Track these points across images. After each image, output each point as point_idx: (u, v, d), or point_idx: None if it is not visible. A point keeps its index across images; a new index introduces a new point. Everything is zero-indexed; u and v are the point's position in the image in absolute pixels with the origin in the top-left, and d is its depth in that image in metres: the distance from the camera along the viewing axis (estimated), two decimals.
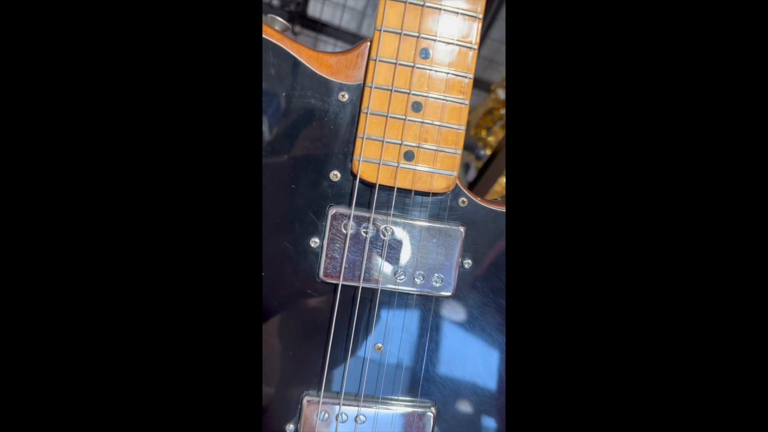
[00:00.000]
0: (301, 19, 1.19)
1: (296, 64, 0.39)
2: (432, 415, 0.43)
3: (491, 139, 1.15)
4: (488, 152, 1.12)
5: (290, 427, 0.42)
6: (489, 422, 0.45)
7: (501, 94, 1.16)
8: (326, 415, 0.42)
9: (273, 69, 0.38)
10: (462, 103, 0.40)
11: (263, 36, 0.38)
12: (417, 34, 0.38)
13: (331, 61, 0.40)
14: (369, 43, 0.39)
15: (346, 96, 0.39)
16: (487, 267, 0.43)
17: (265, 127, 0.39)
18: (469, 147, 0.94)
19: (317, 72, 0.39)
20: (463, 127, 0.40)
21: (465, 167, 1.19)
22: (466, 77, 0.40)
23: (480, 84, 1.28)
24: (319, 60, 0.39)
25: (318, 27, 1.18)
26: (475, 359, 0.44)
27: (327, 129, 0.40)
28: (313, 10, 1.22)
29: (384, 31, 0.38)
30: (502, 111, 1.15)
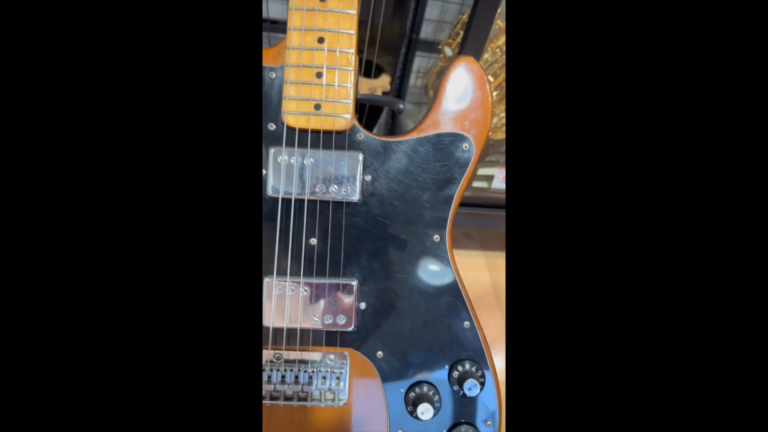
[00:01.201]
0: None
1: None
2: (354, 286, 0.61)
3: None
4: None
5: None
6: (396, 292, 0.62)
7: (447, 51, 1.26)
8: (279, 289, 0.61)
9: None
10: (349, 69, 0.60)
11: None
12: (313, 29, 0.59)
13: (266, 54, 0.61)
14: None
15: (275, 75, 0.61)
16: (381, 180, 0.61)
17: None
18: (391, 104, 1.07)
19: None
20: (351, 85, 0.60)
21: None
22: (349, 52, 0.60)
23: (432, 46, 1.35)
24: None
25: (267, 26, 1.23)
26: (379, 246, 0.61)
27: (265, 96, 0.61)
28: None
29: (293, 29, 0.60)
30: None
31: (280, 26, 1.31)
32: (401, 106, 0.86)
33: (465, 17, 1.29)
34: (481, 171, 1.43)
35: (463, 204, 0.63)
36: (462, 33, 1.27)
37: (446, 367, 0.62)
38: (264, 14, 1.27)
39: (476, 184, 1.43)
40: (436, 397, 0.61)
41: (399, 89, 1.32)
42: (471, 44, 1.06)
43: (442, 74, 0.63)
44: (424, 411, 0.59)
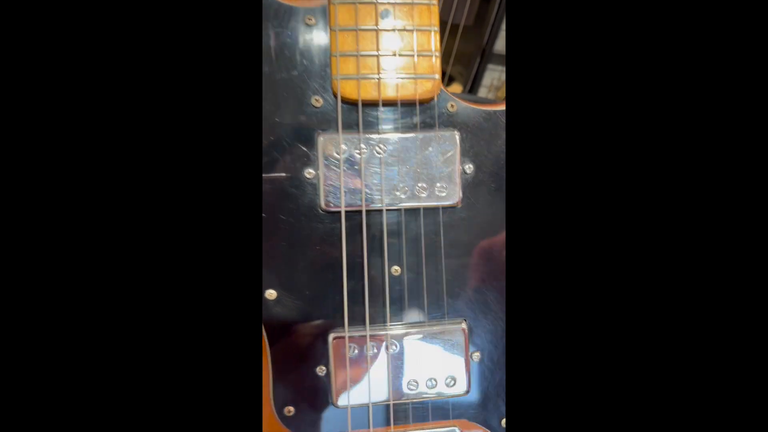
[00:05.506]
0: None
1: None
2: (464, 331, 0.42)
3: None
4: None
5: (322, 369, 0.40)
6: None
7: None
8: (355, 350, 0.40)
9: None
10: (430, 3, 0.39)
11: None
12: None
13: None
14: None
15: (313, 19, 0.39)
16: (490, 170, 0.41)
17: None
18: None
19: (281, 1, 0.38)
20: (436, 28, 0.39)
21: None
22: None
23: (504, 60, 1.28)
24: None
25: None
26: (489, 266, 0.42)
27: (301, 56, 0.39)
28: None
29: None
30: None
31: None
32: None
33: None
34: None
35: None
36: None
37: None
38: None
39: None
40: None
41: None
42: None
43: None
44: None
